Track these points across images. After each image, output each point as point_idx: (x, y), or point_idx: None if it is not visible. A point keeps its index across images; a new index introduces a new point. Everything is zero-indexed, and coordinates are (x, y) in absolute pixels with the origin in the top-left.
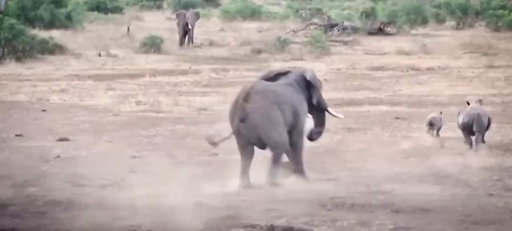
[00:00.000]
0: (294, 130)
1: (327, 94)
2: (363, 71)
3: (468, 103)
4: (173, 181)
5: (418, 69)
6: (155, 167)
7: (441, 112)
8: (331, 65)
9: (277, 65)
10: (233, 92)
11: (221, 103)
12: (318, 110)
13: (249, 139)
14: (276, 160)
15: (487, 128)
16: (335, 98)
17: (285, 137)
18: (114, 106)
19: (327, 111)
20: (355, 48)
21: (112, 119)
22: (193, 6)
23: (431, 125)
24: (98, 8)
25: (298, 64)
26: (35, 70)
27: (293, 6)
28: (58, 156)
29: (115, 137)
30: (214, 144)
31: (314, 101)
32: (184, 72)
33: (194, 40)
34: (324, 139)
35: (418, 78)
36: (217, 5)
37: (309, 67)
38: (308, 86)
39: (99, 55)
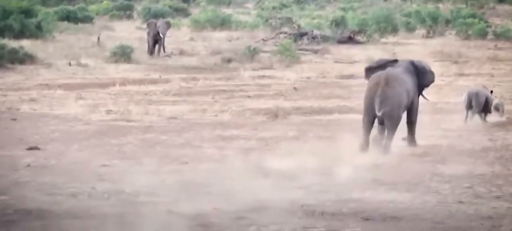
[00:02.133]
0: (411, 109)
1: (296, 103)
2: (333, 80)
3: (491, 91)
4: (143, 190)
5: None
6: (125, 176)
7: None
8: (301, 74)
9: (247, 74)
10: (203, 101)
11: (191, 112)
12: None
13: (379, 115)
14: (391, 134)
15: (486, 107)
16: (305, 106)
17: (400, 118)
18: (84, 115)
19: (422, 95)
20: (325, 57)
21: (82, 128)
22: (163, 15)
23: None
24: (68, 17)
25: (268, 73)
26: (5, 79)
27: (263, 15)
28: (29, 165)
29: (85, 146)
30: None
31: (422, 86)
32: (154, 82)
33: (165, 50)
34: (293, 147)
35: None
36: (187, 14)
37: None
38: (418, 73)
39: (70, 64)
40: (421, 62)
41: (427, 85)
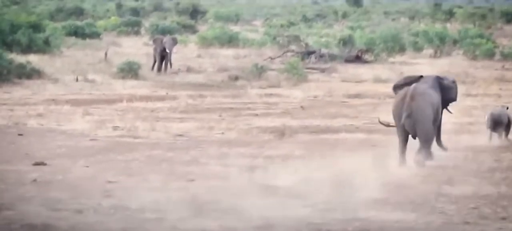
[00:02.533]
0: (434, 123)
1: (303, 121)
2: (340, 99)
3: (507, 108)
4: (148, 207)
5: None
6: (131, 192)
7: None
8: (308, 92)
9: (254, 92)
10: (210, 119)
11: (198, 129)
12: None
13: (409, 129)
14: (426, 147)
15: (509, 127)
16: (312, 125)
17: (433, 131)
18: (91, 131)
19: (446, 109)
20: (332, 76)
21: (89, 144)
22: (170, 32)
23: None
24: (76, 33)
25: (275, 91)
26: (12, 94)
27: (270, 33)
28: (35, 180)
29: (91, 162)
30: (386, 125)
31: (447, 102)
32: (161, 98)
33: (172, 66)
34: (299, 166)
35: None
36: (194, 31)
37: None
38: (443, 89)
39: (77, 80)
40: (446, 78)
41: (451, 101)
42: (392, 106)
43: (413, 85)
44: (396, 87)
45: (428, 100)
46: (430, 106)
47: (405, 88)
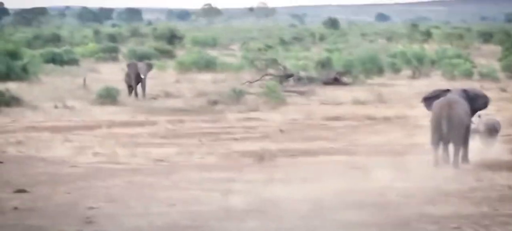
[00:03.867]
0: (466, 130)
1: (282, 145)
2: (319, 122)
3: (479, 116)
4: None
5: (374, 118)
6: (113, 218)
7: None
8: (286, 115)
9: (233, 116)
10: (190, 144)
11: (178, 154)
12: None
13: (445, 133)
14: (458, 151)
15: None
16: (291, 149)
17: (468, 136)
18: (71, 157)
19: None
20: (311, 99)
21: (70, 170)
22: (148, 57)
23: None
24: (54, 60)
25: (254, 115)
26: None
27: (248, 57)
28: (16, 208)
29: (72, 188)
30: None
31: (475, 110)
32: (140, 124)
33: (150, 92)
34: (279, 189)
35: (375, 128)
36: (172, 56)
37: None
38: (470, 99)
39: (56, 107)
40: (473, 89)
41: (479, 109)
42: (431, 115)
43: (448, 95)
44: (426, 99)
45: (464, 109)
46: (465, 114)
47: (441, 99)
